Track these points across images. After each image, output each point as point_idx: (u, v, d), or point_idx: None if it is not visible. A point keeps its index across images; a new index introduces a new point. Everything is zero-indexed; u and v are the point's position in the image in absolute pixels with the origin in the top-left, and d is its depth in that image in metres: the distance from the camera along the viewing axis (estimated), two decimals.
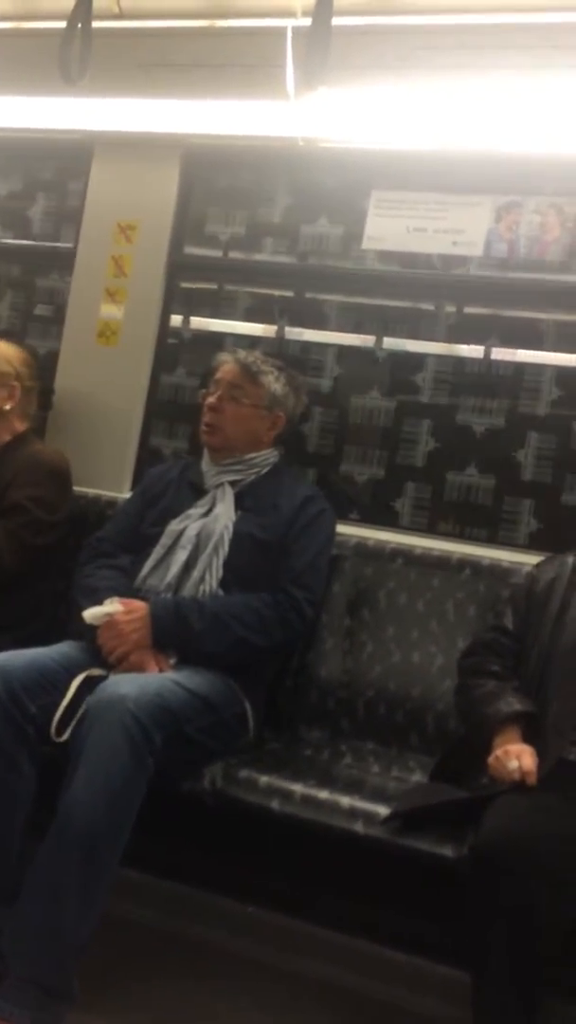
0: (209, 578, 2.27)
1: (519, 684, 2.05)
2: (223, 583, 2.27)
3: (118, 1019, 1.91)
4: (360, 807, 1.96)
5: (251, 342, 3.01)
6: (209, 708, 2.09)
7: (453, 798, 1.92)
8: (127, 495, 2.76)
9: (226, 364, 2.48)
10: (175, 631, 2.18)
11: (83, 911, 1.81)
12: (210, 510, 2.36)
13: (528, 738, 1.94)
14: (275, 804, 1.99)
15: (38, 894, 1.83)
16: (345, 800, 1.97)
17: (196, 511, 2.36)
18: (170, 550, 2.32)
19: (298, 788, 2.01)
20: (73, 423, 2.90)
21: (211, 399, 2.44)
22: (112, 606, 2.19)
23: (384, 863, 1.90)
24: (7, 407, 2.61)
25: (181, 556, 2.29)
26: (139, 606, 2.20)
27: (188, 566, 2.29)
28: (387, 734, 2.36)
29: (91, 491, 2.77)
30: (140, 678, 2.05)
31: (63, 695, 2.04)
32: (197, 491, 2.42)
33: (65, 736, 1.98)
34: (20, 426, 2.67)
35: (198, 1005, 2.00)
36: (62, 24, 2.29)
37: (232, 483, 2.41)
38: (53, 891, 1.81)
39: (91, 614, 2.19)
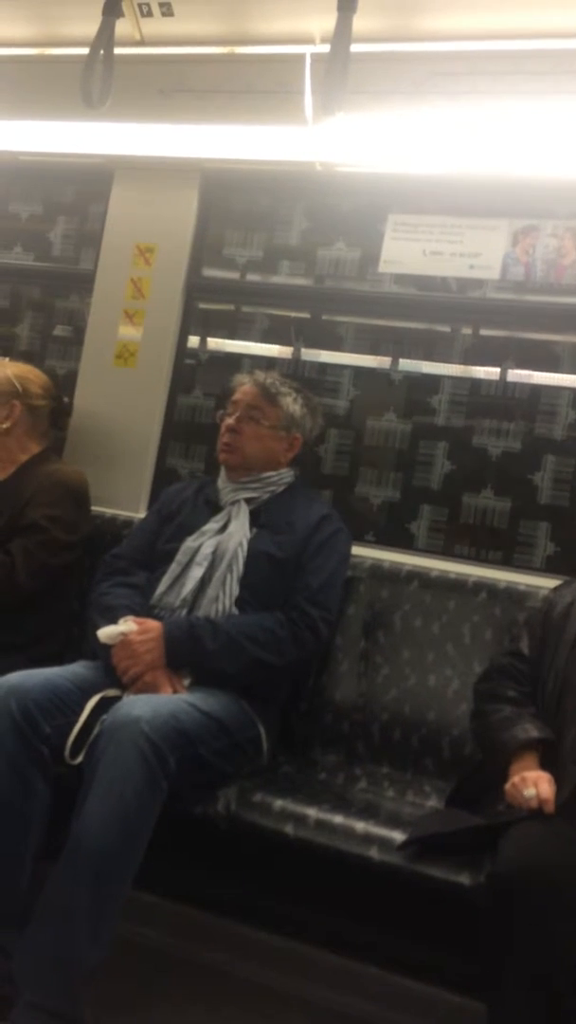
0: (223, 596, 2.27)
1: (536, 710, 2.03)
2: (238, 601, 2.27)
3: None
4: (375, 832, 1.94)
5: (268, 363, 3.03)
6: (223, 731, 2.08)
7: (469, 825, 1.90)
8: (143, 515, 2.77)
9: (244, 385, 2.49)
10: (189, 651, 2.18)
11: (94, 935, 1.80)
12: (225, 526, 2.36)
13: (545, 765, 1.92)
14: (289, 828, 1.97)
15: (49, 917, 1.82)
16: (360, 825, 1.96)
17: (211, 527, 2.37)
18: (186, 567, 2.32)
19: (312, 812, 1.99)
20: (90, 443, 2.92)
21: (230, 420, 2.45)
22: (126, 625, 2.20)
23: (399, 890, 1.88)
24: (4, 425, 2.62)
25: (197, 573, 2.29)
26: (153, 626, 2.20)
27: (203, 583, 2.29)
28: (402, 758, 2.35)
29: (108, 511, 2.78)
30: (154, 699, 2.04)
31: (77, 716, 2.05)
32: (213, 508, 2.43)
33: (79, 758, 1.97)
34: (36, 446, 2.69)
35: None
36: (84, 50, 2.33)
37: (248, 500, 2.41)
38: (64, 915, 1.81)
39: (105, 633, 2.19)
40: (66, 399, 2.87)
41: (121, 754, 1.88)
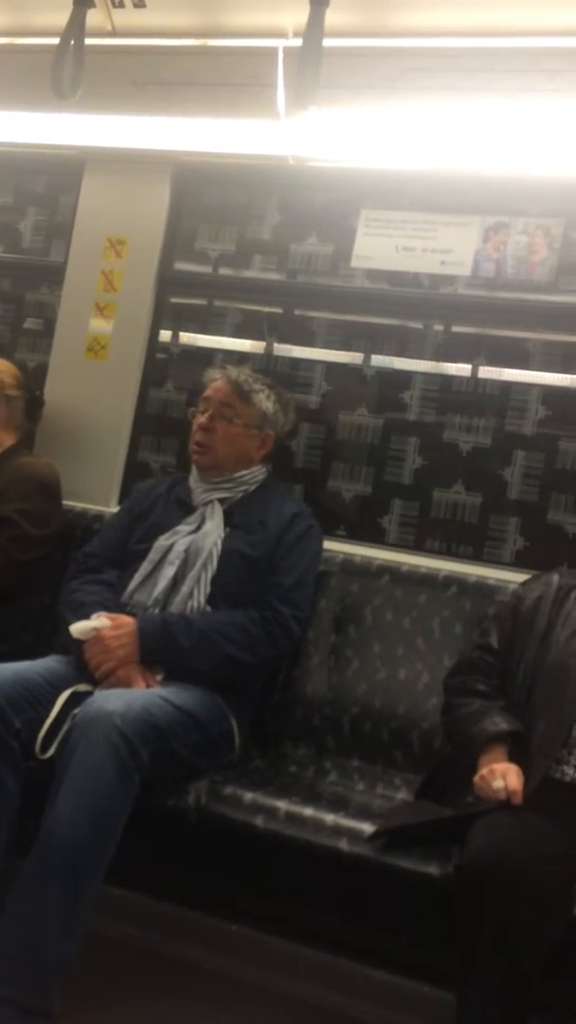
0: (197, 594, 2.27)
1: (505, 703, 2.05)
2: (211, 599, 2.27)
3: None
4: (345, 824, 1.96)
5: (240, 358, 3.02)
6: (196, 725, 2.09)
7: (438, 816, 1.92)
8: (114, 509, 2.76)
9: (216, 382, 2.48)
10: (163, 647, 2.18)
11: (65, 930, 1.79)
12: (199, 527, 2.35)
13: (515, 757, 1.94)
14: (259, 821, 1.98)
15: (20, 912, 1.81)
16: (330, 817, 1.97)
17: (185, 528, 2.36)
18: (158, 565, 2.31)
19: (283, 805, 2.00)
20: (61, 437, 2.90)
21: (202, 419, 2.43)
22: (99, 621, 2.19)
23: (368, 881, 1.90)
24: None
25: (169, 572, 2.29)
26: (126, 621, 2.20)
27: (176, 582, 2.29)
28: (372, 751, 2.36)
29: (78, 505, 2.77)
30: (127, 694, 2.04)
31: (48, 710, 2.04)
32: (185, 508, 2.42)
33: (50, 753, 1.97)
34: (8, 439, 2.67)
35: None
36: (55, 41, 2.31)
37: (221, 500, 2.41)
38: (35, 909, 1.80)
39: (78, 628, 2.18)
40: (38, 392, 2.84)
41: (94, 748, 1.87)
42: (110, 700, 1.96)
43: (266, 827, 1.97)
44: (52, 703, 2.05)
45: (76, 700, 2.05)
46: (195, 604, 2.26)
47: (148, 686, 2.14)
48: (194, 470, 2.49)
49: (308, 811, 1.99)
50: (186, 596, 2.26)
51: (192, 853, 2.07)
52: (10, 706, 2.00)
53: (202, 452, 2.43)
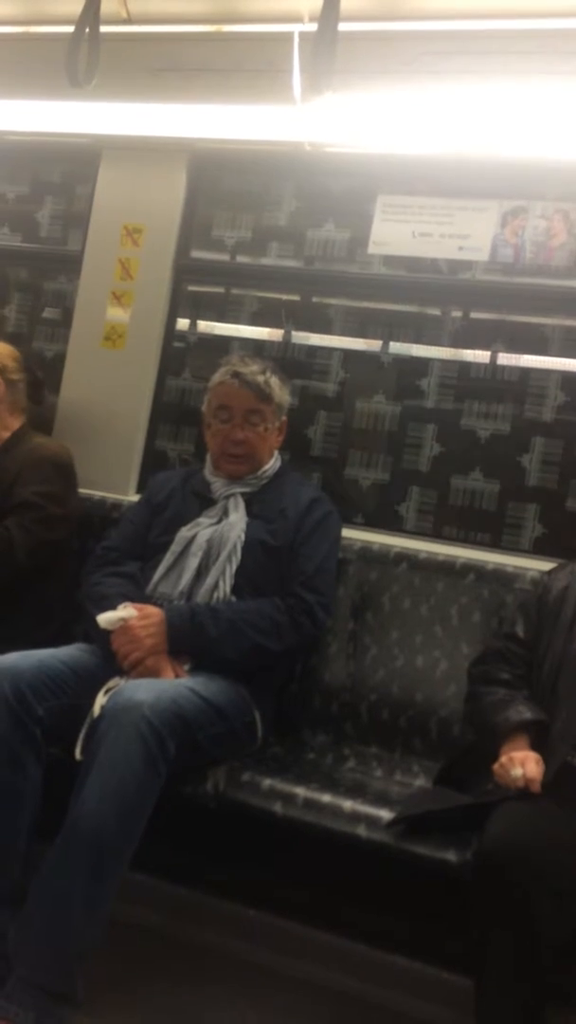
0: (223, 585, 2.27)
1: (530, 693, 2.04)
2: (235, 589, 2.28)
3: (120, 1022, 1.91)
4: (363, 811, 1.96)
5: (256, 346, 3.02)
6: (221, 717, 2.10)
7: (457, 804, 1.92)
8: (133, 498, 2.78)
9: (231, 388, 2.39)
10: (191, 637, 2.18)
11: (89, 916, 1.81)
12: (221, 519, 2.35)
13: (537, 746, 1.94)
14: (278, 807, 1.99)
15: (45, 898, 1.83)
16: (348, 804, 1.98)
17: (206, 520, 2.36)
18: (181, 556, 2.32)
19: (301, 792, 2.01)
20: (79, 425, 2.91)
21: (237, 433, 2.38)
22: (126, 611, 2.20)
23: (386, 868, 1.91)
24: None
25: (193, 563, 2.29)
26: (154, 612, 2.20)
27: (200, 573, 2.29)
28: (391, 738, 2.37)
29: (96, 493, 2.78)
30: (156, 684, 2.05)
31: (70, 698, 2.06)
32: (203, 500, 2.41)
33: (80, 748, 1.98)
34: (15, 422, 2.67)
35: (199, 1008, 2.01)
36: (70, 28, 2.30)
37: (243, 493, 2.40)
38: (60, 895, 1.82)
39: (106, 619, 2.19)
40: (39, 373, 2.83)
41: (122, 738, 1.88)
42: (140, 690, 1.97)
43: (284, 813, 1.98)
44: (76, 691, 2.07)
45: (96, 688, 2.06)
46: (220, 595, 2.26)
47: (176, 676, 2.14)
48: (209, 463, 2.49)
49: (326, 797, 2.00)
50: (211, 587, 2.27)
51: (211, 839, 2.08)
52: (33, 694, 2.01)
53: (239, 463, 2.41)
